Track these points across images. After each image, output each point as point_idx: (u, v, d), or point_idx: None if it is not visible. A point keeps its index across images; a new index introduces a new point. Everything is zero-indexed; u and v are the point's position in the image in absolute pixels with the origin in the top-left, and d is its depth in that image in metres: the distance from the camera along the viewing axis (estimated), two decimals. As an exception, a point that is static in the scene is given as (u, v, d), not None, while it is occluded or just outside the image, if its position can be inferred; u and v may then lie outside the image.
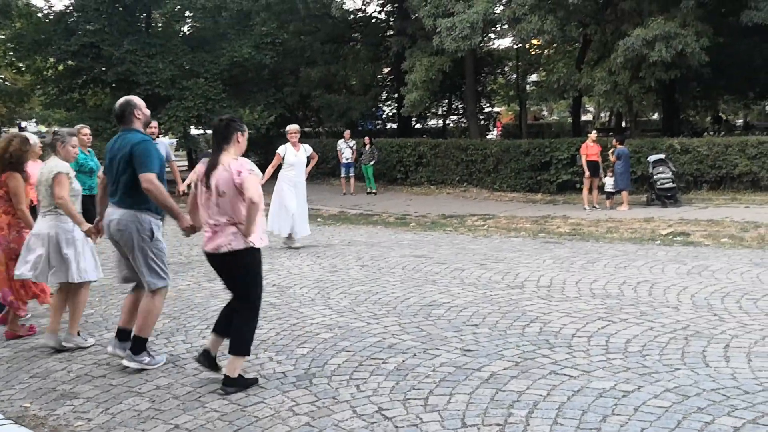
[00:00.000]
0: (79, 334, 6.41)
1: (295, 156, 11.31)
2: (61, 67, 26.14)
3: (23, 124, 43.94)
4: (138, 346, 5.68)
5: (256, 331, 6.29)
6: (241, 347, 5.15)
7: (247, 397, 5.02)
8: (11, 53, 25.34)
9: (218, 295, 8.00)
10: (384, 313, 7.01)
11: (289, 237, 11.47)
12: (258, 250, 5.16)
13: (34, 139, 7.03)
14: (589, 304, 7.08)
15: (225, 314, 5.40)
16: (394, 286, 8.25)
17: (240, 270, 5.17)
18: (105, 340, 6.58)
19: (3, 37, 25.81)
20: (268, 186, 11.79)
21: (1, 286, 6.64)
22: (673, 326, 6.21)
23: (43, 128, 47.60)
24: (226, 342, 5.30)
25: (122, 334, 5.90)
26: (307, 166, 11.62)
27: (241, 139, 5.24)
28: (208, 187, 5.10)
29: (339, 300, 7.64)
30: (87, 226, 6.16)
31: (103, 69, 23.77)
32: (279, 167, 11.36)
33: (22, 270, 6.30)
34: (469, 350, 5.77)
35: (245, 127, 5.38)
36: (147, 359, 5.70)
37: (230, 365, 5.15)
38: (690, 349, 5.59)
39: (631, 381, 4.95)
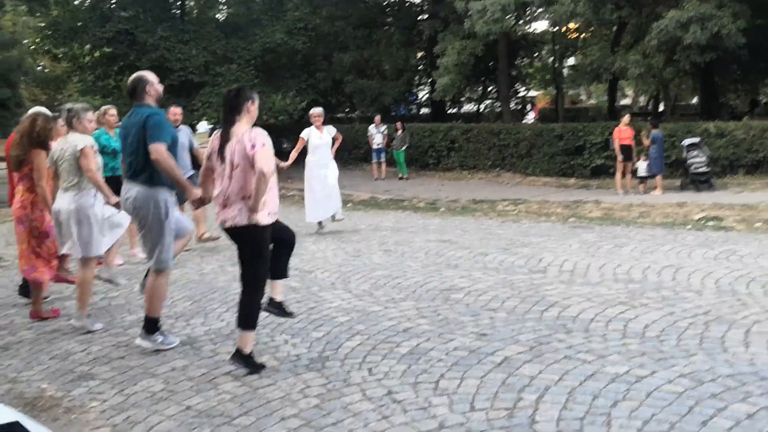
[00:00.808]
0: (88, 316, 6.47)
1: (319, 138, 11.31)
2: (97, 54, 26.44)
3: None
4: (150, 326, 5.75)
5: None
6: (245, 321, 5.15)
7: (259, 379, 5.04)
8: (48, 40, 25.65)
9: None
10: (402, 298, 7.00)
11: (320, 225, 11.52)
12: (264, 227, 5.12)
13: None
14: (610, 289, 7.00)
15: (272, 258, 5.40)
16: (415, 270, 8.22)
17: (244, 246, 5.17)
18: (126, 322, 6.67)
19: (41, 24, 26.11)
20: (297, 172, 11.87)
21: (27, 262, 6.75)
22: (694, 311, 6.10)
23: (99, 111, 48.31)
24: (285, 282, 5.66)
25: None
26: (332, 146, 11.59)
27: (252, 108, 5.20)
28: (223, 159, 5.09)
29: (359, 284, 7.64)
30: (115, 199, 6.26)
31: (138, 55, 23.96)
32: (305, 154, 11.37)
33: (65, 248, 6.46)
34: (484, 334, 5.73)
35: (256, 95, 5.34)
36: (160, 339, 5.77)
37: (240, 340, 5.19)
38: (709, 335, 5.49)
39: (645, 366, 4.87)
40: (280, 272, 5.56)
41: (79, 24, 24.17)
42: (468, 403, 4.43)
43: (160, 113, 5.65)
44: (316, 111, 11.58)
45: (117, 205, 6.21)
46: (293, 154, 11.12)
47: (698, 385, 4.51)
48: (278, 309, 5.63)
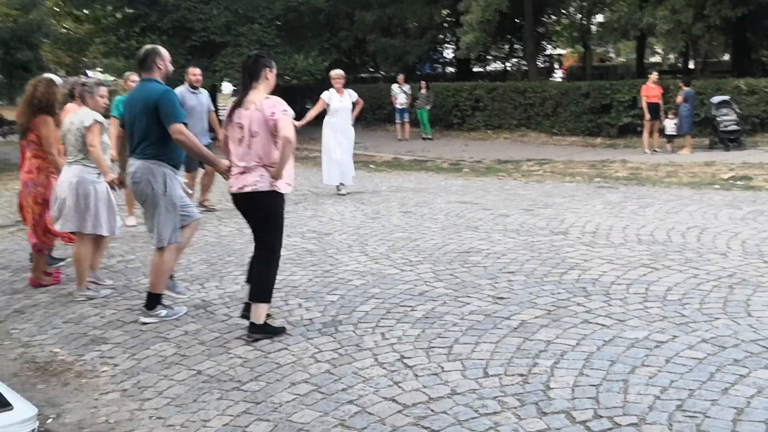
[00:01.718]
0: (89, 288, 6.39)
1: (339, 101, 11.13)
2: (118, 15, 26.30)
3: (89, 73, 44.72)
4: (151, 301, 5.64)
5: (289, 277, 6.31)
6: (261, 294, 5.07)
7: (271, 343, 4.97)
8: (70, 2, 25.53)
9: (257, 242, 7.99)
10: (419, 260, 6.88)
11: (339, 187, 11.40)
12: (282, 196, 5.05)
13: (58, 82, 7.02)
14: (633, 251, 6.83)
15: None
16: (434, 232, 8.10)
17: (261, 212, 5.07)
18: (142, 285, 6.60)
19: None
20: (314, 133, 11.75)
21: (30, 228, 6.71)
22: (719, 273, 5.94)
23: (109, 77, 48.43)
24: None
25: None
26: (352, 111, 11.40)
27: (270, 76, 5.10)
28: (240, 126, 4.99)
29: (376, 247, 7.53)
30: (112, 176, 6.16)
31: (159, 16, 23.79)
32: (323, 116, 11.23)
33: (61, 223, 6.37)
34: (501, 298, 5.62)
35: (274, 63, 5.24)
36: (163, 312, 5.65)
37: (254, 312, 5.08)
38: (733, 298, 5.33)
39: (666, 331, 4.74)
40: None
41: (100, -16, 24.07)
42: (481, 369, 4.34)
43: (171, 91, 5.48)
44: (337, 73, 11.38)
45: (112, 184, 6.12)
46: (311, 113, 10.99)
47: (720, 351, 4.37)
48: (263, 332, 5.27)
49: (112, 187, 6.20)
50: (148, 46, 5.74)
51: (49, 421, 4.13)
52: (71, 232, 6.51)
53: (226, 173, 5.46)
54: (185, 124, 5.40)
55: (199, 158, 5.48)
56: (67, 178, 6.21)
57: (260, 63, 5.08)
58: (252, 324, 5.10)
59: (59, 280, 6.91)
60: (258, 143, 4.93)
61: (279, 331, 5.14)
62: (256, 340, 5.03)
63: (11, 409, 2.32)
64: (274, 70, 5.19)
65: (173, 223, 5.56)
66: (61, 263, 7.34)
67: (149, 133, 5.39)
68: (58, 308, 6.14)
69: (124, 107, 5.73)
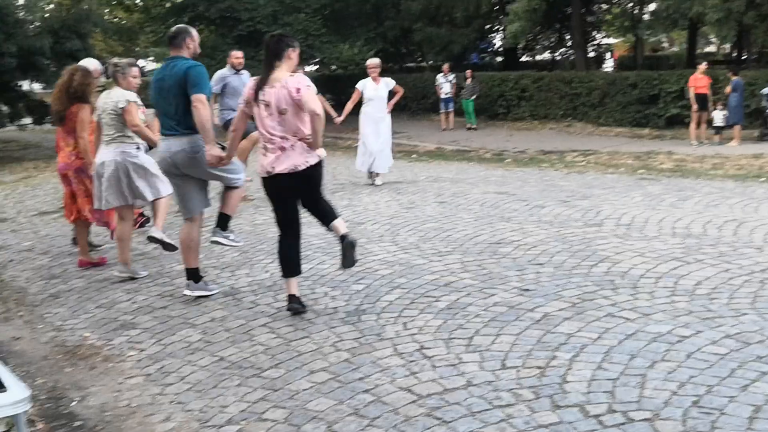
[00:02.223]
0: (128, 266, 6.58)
1: (374, 90, 11.13)
2: (168, 5, 26.64)
3: (141, 62, 45.39)
4: (193, 276, 5.87)
5: (317, 266, 6.38)
6: (330, 215, 5.34)
7: (294, 331, 5.03)
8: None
9: (290, 230, 8.05)
10: (449, 251, 6.87)
11: (370, 175, 11.41)
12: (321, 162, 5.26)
13: (95, 66, 7.16)
14: (666, 244, 6.73)
15: (287, 256, 5.35)
16: (467, 223, 8.07)
17: (313, 184, 5.21)
18: (175, 272, 6.74)
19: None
20: (355, 123, 11.77)
21: (91, 213, 6.89)
22: (752, 268, 5.81)
23: (159, 66, 49.09)
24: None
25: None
26: (390, 100, 11.39)
27: (293, 55, 5.15)
28: (267, 104, 5.03)
29: (407, 237, 7.54)
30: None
31: (207, 6, 24.03)
32: (360, 105, 11.25)
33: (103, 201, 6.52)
34: (527, 290, 5.58)
35: (297, 43, 5.27)
36: (232, 236, 6.12)
37: (337, 227, 5.33)
38: (764, 293, 5.21)
39: (690, 325, 4.66)
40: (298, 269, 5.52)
41: (149, -26, 24.43)
42: (499, 361, 4.33)
43: (200, 65, 5.57)
44: (372, 62, 11.38)
45: None
46: (348, 106, 11.03)
47: (744, 347, 4.29)
48: (299, 304, 5.41)
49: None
50: (180, 25, 5.86)
51: (73, 404, 4.25)
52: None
53: (213, 158, 5.49)
54: (209, 100, 5.54)
55: (201, 132, 5.48)
56: (110, 157, 6.34)
57: (283, 42, 5.13)
58: (344, 236, 5.32)
59: (105, 261, 7.12)
60: (288, 120, 5.00)
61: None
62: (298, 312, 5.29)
63: (5, 390, 2.41)
64: (298, 50, 5.23)
65: (202, 194, 5.80)
66: (100, 248, 7.51)
67: (182, 107, 5.49)
68: (92, 293, 6.28)
69: (153, 86, 5.81)
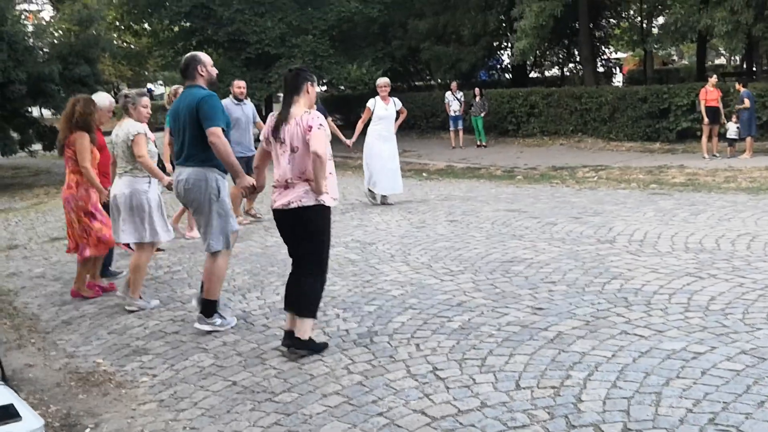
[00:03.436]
0: (141, 298, 6.51)
1: (384, 110, 11.18)
2: (175, 29, 26.87)
3: (148, 86, 45.78)
4: (208, 309, 5.68)
5: (329, 287, 6.33)
6: (308, 309, 5.01)
7: (307, 355, 5.00)
8: (128, 16, 26.20)
9: (301, 252, 8.05)
10: (460, 270, 6.85)
11: (374, 194, 11.41)
12: (328, 209, 5.00)
13: (109, 101, 7.21)
14: (679, 260, 6.69)
15: (288, 289, 5.21)
16: (478, 241, 8.05)
17: (309, 227, 4.99)
18: (186, 296, 6.75)
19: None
20: (359, 141, 11.79)
21: (79, 241, 6.86)
22: (766, 282, 5.77)
23: (169, 90, 49.45)
24: None
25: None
26: (396, 120, 11.43)
27: (311, 90, 5.09)
28: (282, 142, 4.99)
29: (418, 256, 7.52)
30: (167, 179, 6.29)
31: (215, 29, 24.23)
32: (368, 123, 11.29)
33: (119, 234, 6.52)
34: (540, 308, 5.55)
35: (314, 77, 5.24)
36: (219, 321, 5.70)
37: (299, 328, 5.00)
38: (779, 308, 5.17)
39: (705, 342, 4.62)
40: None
41: (156, -1, 24.60)
42: (513, 381, 4.29)
43: (213, 95, 5.53)
44: (382, 81, 11.44)
45: (170, 186, 6.21)
46: (359, 125, 11.09)
47: (759, 363, 4.25)
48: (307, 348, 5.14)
49: (171, 189, 6.29)
50: (188, 55, 5.79)
51: (87, 430, 4.23)
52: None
53: (246, 189, 5.48)
54: (225, 131, 5.43)
55: (226, 166, 5.48)
56: (120, 189, 6.38)
57: (301, 77, 5.06)
58: (296, 339, 5.01)
59: (100, 294, 7.06)
60: (299, 158, 4.91)
61: (322, 348, 5.09)
62: (301, 356, 4.99)
63: (20, 419, 2.45)
64: (315, 84, 5.19)
65: (226, 228, 5.62)
66: (119, 276, 7.52)
67: (196, 139, 5.45)
68: (104, 319, 6.29)
69: (170, 117, 5.81)
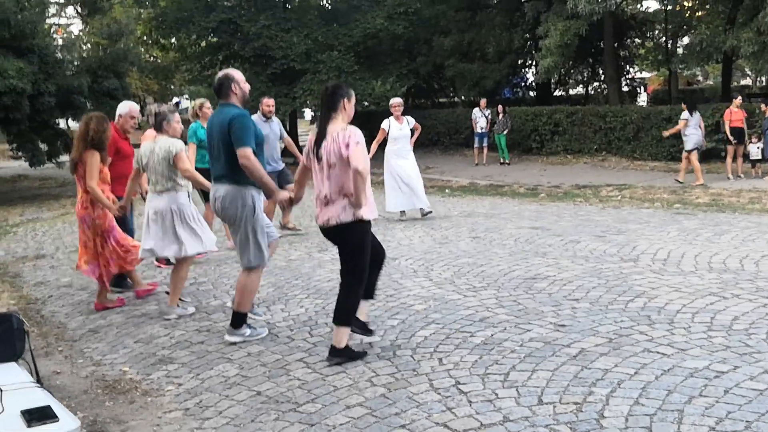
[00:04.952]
0: (178, 305, 6.63)
1: (399, 129, 11.30)
2: (203, 44, 27.14)
3: (175, 99, 46.22)
4: (237, 320, 5.77)
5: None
6: (343, 317, 5.13)
7: (330, 366, 5.06)
8: (156, 31, 26.53)
9: (325, 266, 8.12)
10: (483, 286, 6.88)
11: (403, 213, 11.48)
12: (367, 222, 5.12)
13: (131, 106, 7.35)
14: (703, 279, 6.68)
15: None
16: (501, 258, 8.08)
17: (347, 243, 5.14)
18: (211, 307, 6.83)
19: (149, 15, 26.95)
20: (376, 162, 11.86)
21: (88, 261, 6.94)
22: (791, 303, 5.76)
23: (195, 103, 49.94)
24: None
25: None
26: (411, 137, 11.52)
27: (348, 106, 5.17)
28: (320, 158, 5.09)
29: (441, 272, 7.56)
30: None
31: (242, 45, 24.44)
32: (384, 144, 11.39)
33: (149, 245, 6.61)
34: (563, 325, 5.57)
35: (352, 92, 5.29)
36: (248, 332, 5.78)
37: (336, 336, 5.14)
38: (804, 329, 5.16)
39: (728, 361, 4.63)
40: (368, 291, 5.44)
41: (185, 14, 24.74)
42: (536, 396, 4.32)
43: (244, 115, 5.58)
44: (396, 101, 11.57)
45: None
46: (374, 146, 11.13)
47: (783, 383, 4.24)
48: (362, 328, 5.50)
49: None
50: (221, 74, 5.81)
51: (113, 437, 4.30)
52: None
53: (282, 203, 5.58)
54: (254, 151, 5.48)
55: (261, 186, 5.56)
56: (164, 205, 6.49)
57: (338, 94, 5.15)
58: (332, 347, 5.14)
59: (123, 303, 7.16)
60: (337, 174, 5.00)
61: (360, 356, 5.19)
62: (338, 363, 5.08)
63: (57, 420, 2.55)
64: (353, 100, 5.25)
65: (262, 245, 5.69)
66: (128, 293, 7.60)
67: (230, 157, 5.50)
68: (131, 328, 6.38)
69: (206, 134, 5.90)
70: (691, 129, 15.73)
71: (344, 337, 5.14)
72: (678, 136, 19.66)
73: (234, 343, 5.70)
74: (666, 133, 17.29)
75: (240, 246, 5.72)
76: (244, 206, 5.58)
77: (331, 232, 5.15)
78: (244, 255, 5.69)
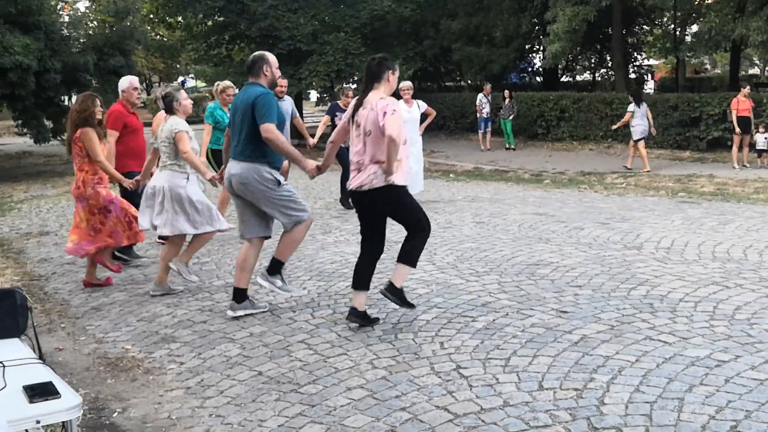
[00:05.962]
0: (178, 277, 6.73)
1: (408, 113, 11.17)
2: (209, 23, 27.06)
3: (180, 78, 46.19)
4: (274, 267, 5.90)
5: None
6: (411, 258, 5.39)
7: (331, 348, 5.08)
8: (163, 9, 26.48)
9: (328, 248, 8.14)
10: (486, 271, 6.88)
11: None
12: (402, 186, 5.27)
13: (130, 80, 7.37)
14: (706, 268, 6.68)
15: (361, 270, 5.48)
16: (505, 243, 8.08)
17: (386, 207, 5.32)
18: (214, 287, 6.85)
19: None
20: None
21: (81, 240, 6.94)
22: (794, 294, 5.75)
23: (200, 83, 49.85)
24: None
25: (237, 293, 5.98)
26: (422, 122, 11.45)
27: (392, 78, 5.32)
28: (357, 125, 5.25)
29: (444, 256, 7.56)
30: (210, 174, 6.41)
31: (248, 24, 24.35)
32: None
33: (142, 222, 6.63)
34: (565, 312, 5.58)
35: (396, 66, 5.43)
36: (279, 283, 5.93)
37: (397, 273, 5.39)
38: (806, 320, 5.16)
39: (729, 350, 4.63)
40: (363, 283, 5.52)
41: (192, -8, 24.78)
42: (536, 382, 4.33)
43: (269, 93, 5.69)
44: (405, 84, 11.45)
45: (212, 181, 6.33)
46: None
47: (784, 373, 4.25)
48: (362, 318, 5.49)
49: (214, 184, 6.43)
50: (257, 53, 5.94)
51: (115, 415, 4.32)
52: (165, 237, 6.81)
53: (311, 172, 5.63)
54: (277, 126, 5.57)
55: (287, 157, 5.68)
56: (160, 182, 6.51)
57: (383, 65, 5.31)
58: (390, 284, 5.39)
59: (111, 282, 7.19)
60: (371, 141, 5.17)
61: (410, 305, 5.51)
62: (390, 300, 5.39)
63: (59, 397, 2.58)
64: (397, 74, 5.40)
65: (295, 202, 5.75)
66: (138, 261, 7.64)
67: (252, 134, 5.59)
68: (134, 306, 6.40)
69: (231, 112, 5.98)
70: (638, 120, 16.24)
71: (405, 275, 5.45)
72: (683, 125, 19.73)
73: (233, 317, 5.81)
74: (614, 126, 17.50)
75: (242, 218, 5.86)
76: (264, 180, 5.63)
77: (365, 197, 5.29)
78: (283, 222, 5.77)
